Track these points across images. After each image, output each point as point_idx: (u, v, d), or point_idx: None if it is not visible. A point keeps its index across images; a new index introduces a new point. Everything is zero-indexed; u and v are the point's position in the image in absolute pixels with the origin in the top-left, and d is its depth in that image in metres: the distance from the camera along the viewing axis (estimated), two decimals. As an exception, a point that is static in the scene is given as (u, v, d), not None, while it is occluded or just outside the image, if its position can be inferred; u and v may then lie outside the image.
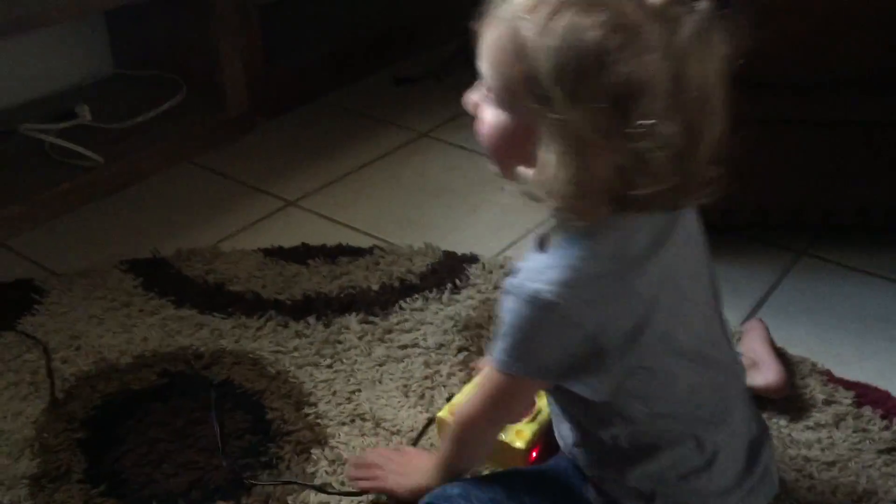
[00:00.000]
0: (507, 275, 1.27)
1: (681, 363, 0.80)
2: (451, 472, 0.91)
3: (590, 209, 0.72)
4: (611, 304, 0.75)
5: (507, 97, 0.73)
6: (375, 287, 1.30)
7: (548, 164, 0.70)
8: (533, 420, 0.98)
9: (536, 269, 0.76)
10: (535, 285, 0.74)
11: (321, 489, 0.98)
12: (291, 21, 1.93)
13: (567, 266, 0.74)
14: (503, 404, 0.84)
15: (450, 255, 1.37)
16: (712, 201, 0.74)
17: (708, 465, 0.82)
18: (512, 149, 0.74)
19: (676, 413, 0.81)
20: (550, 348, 0.77)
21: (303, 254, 1.38)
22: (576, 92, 0.67)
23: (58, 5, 1.41)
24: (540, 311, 0.74)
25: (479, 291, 1.29)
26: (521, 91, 0.70)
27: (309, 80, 1.87)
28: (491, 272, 1.33)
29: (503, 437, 0.96)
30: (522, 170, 0.73)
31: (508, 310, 0.77)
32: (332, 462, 1.01)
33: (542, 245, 0.81)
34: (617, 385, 0.78)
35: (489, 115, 0.76)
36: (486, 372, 0.85)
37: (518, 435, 0.96)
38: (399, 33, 2.00)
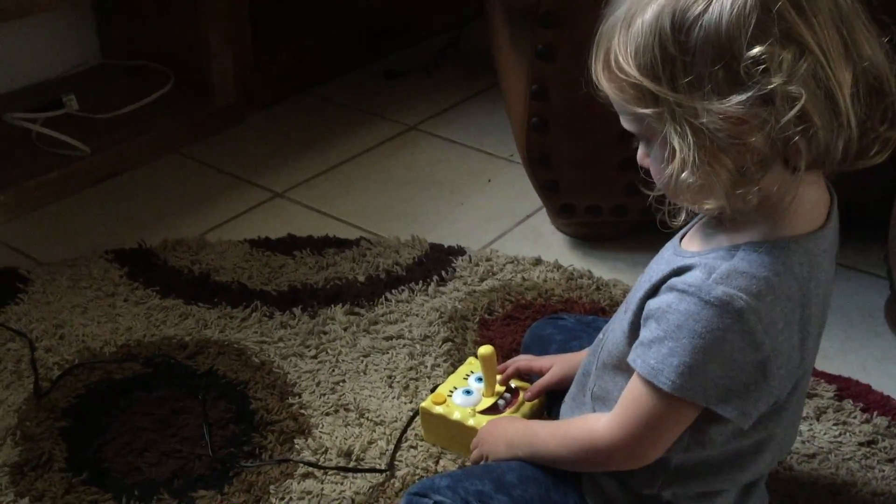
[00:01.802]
0: (491, 268, 1.29)
1: (794, 397, 0.76)
2: (533, 457, 0.84)
3: (755, 187, 0.66)
4: (789, 329, 0.69)
5: (639, 126, 0.70)
6: (362, 278, 1.30)
7: (678, 160, 0.66)
8: (516, 411, 0.98)
9: (722, 272, 0.68)
10: (725, 289, 0.67)
11: (312, 464, 0.98)
12: (281, 12, 1.93)
13: (760, 277, 0.68)
14: (658, 436, 0.72)
15: (436, 248, 1.37)
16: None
17: (728, 490, 0.80)
18: (676, 178, 0.67)
19: (752, 447, 0.77)
20: (721, 366, 0.68)
21: (289, 245, 1.38)
22: (671, 73, 0.64)
23: (45, -6, 1.41)
24: (727, 320, 0.67)
25: (464, 284, 1.29)
26: (635, 103, 0.67)
27: (299, 71, 1.86)
28: (477, 265, 1.33)
29: (471, 422, 0.96)
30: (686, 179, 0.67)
31: (682, 313, 0.68)
32: (314, 451, 1.01)
33: (704, 243, 0.74)
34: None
35: (654, 166, 0.71)
36: (636, 391, 0.73)
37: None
38: (390, 26, 2.00)
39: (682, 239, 0.79)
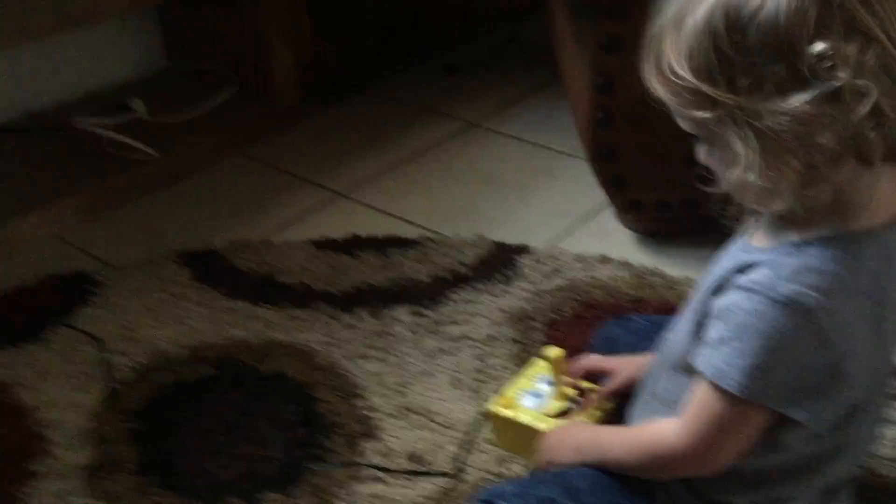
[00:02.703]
0: (558, 267, 1.26)
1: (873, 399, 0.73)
2: (602, 464, 0.82)
3: (828, 183, 0.64)
4: (862, 327, 0.66)
5: (699, 125, 0.66)
6: (425, 278, 1.29)
7: (742, 162, 0.63)
8: (587, 415, 0.96)
9: (791, 269, 0.65)
10: (795, 287, 0.64)
11: (380, 467, 0.97)
12: (340, 9, 1.93)
13: (831, 273, 0.65)
14: (728, 441, 0.69)
15: (500, 246, 1.35)
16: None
17: (804, 497, 0.77)
18: (743, 179, 0.64)
19: (831, 453, 0.74)
20: (792, 367, 0.66)
21: (352, 245, 1.38)
22: (729, 76, 0.61)
23: (110, 0, 1.43)
24: (797, 319, 0.64)
25: (530, 283, 1.27)
26: (693, 106, 0.64)
27: (359, 69, 1.86)
28: (543, 263, 1.31)
29: (541, 426, 0.93)
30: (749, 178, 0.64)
31: (749, 312, 0.65)
32: (383, 455, 1.01)
33: (774, 238, 0.70)
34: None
35: (719, 168, 0.68)
36: (703, 395, 0.70)
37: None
38: (449, 20, 1.98)
39: (750, 233, 0.75)
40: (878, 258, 0.67)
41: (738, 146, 0.63)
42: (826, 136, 0.62)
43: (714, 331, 0.69)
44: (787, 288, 0.64)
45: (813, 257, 0.66)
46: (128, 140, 1.56)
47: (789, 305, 0.64)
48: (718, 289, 0.70)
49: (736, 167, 0.64)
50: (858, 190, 0.66)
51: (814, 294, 0.64)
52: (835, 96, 0.60)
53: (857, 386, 0.68)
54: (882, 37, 0.60)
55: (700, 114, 0.64)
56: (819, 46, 0.59)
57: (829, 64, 0.59)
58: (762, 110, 0.61)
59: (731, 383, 0.67)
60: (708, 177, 0.73)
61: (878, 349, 0.69)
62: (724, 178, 0.68)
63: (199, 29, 1.78)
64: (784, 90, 0.61)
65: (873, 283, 0.67)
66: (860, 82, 0.60)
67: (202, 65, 1.79)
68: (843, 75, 0.59)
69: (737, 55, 0.62)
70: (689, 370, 0.74)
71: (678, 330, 0.79)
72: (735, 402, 0.67)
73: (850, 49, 0.59)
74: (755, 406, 0.67)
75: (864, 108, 0.60)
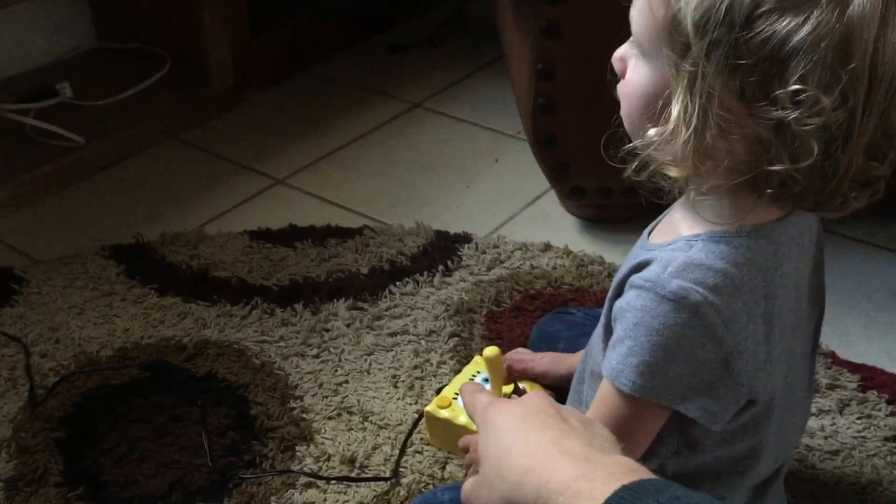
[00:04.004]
0: (499, 256, 1.24)
1: (775, 404, 0.72)
2: None
3: (720, 183, 0.63)
4: (753, 322, 0.66)
5: (650, 45, 0.65)
6: (365, 271, 1.26)
7: (673, 121, 0.62)
8: None
9: (679, 265, 0.64)
10: (681, 282, 0.63)
11: (314, 475, 0.95)
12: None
13: (718, 270, 0.64)
14: (630, 440, 0.66)
15: (442, 235, 1.32)
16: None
17: (732, 497, 0.76)
18: (647, 106, 0.65)
19: (749, 452, 0.73)
20: (682, 363, 0.65)
21: (290, 236, 1.34)
22: (715, 44, 0.59)
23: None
24: (684, 314, 0.63)
25: (471, 273, 1.25)
26: (663, 37, 0.62)
27: (298, 49, 1.80)
28: (484, 252, 1.28)
29: (462, 419, 0.91)
30: (651, 130, 0.64)
31: (639, 309, 0.65)
32: (317, 458, 0.98)
33: (662, 235, 0.71)
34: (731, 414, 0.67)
35: (633, 73, 0.67)
36: (603, 394, 0.70)
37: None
38: (391, -2, 1.93)
39: (651, 233, 0.75)
40: (767, 253, 0.67)
41: (678, 104, 0.62)
42: (743, 148, 0.61)
43: (615, 333, 0.69)
44: (673, 283, 0.64)
45: (700, 252, 0.65)
46: (53, 128, 1.49)
47: (676, 301, 0.63)
48: (620, 292, 0.70)
49: (661, 119, 0.63)
50: (741, 199, 0.65)
51: (700, 289, 0.63)
52: (778, 127, 0.59)
53: (749, 382, 0.68)
54: (858, 114, 0.59)
55: (666, 50, 0.62)
56: (802, 87, 0.58)
57: (800, 101, 0.58)
58: (717, 92, 0.60)
59: (625, 382, 0.66)
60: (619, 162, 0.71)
61: (771, 345, 0.68)
62: (632, 113, 0.67)
63: (130, 7, 1.71)
64: (746, 94, 0.60)
65: (763, 279, 0.66)
66: (812, 141, 0.59)
67: (133, 45, 1.72)
68: (809, 121, 0.58)
69: (738, 31, 0.59)
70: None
71: (594, 334, 0.78)
72: (631, 400, 0.67)
73: (825, 103, 0.58)
74: (649, 403, 0.66)
75: (799, 161, 0.59)
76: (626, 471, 0.52)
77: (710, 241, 0.66)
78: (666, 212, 0.75)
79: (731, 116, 0.60)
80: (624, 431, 0.66)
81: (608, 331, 0.71)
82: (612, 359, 0.67)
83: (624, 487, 0.49)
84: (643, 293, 0.65)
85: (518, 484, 0.55)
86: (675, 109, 0.62)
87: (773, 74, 0.59)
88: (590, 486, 0.51)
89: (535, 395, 0.63)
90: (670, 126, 0.62)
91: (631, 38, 0.68)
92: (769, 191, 0.62)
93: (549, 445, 0.56)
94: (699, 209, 0.67)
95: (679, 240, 0.68)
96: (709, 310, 0.63)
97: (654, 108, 0.64)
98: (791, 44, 0.58)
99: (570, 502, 0.51)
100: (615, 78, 0.71)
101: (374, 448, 0.99)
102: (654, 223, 0.76)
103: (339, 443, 1.00)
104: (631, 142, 0.68)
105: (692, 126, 0.61)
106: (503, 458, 0.57)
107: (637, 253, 0.72)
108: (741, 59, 0.59)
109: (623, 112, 0.69)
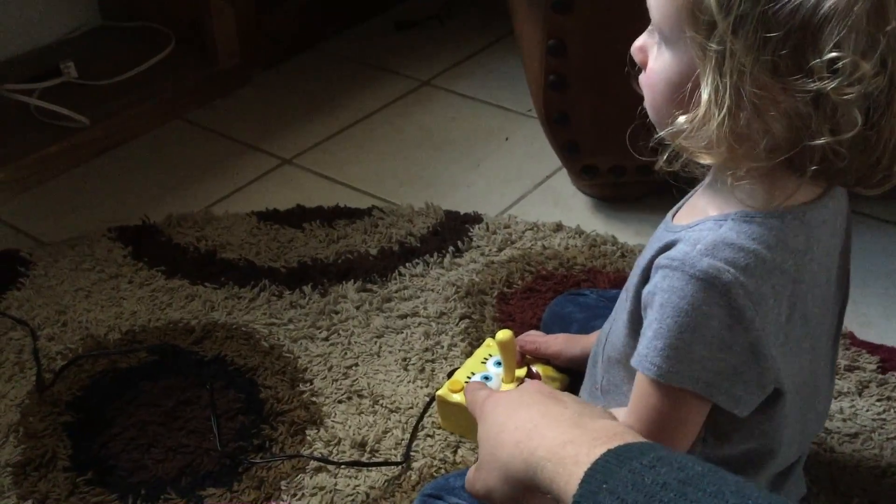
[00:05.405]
0: (510, 236, 1.22)
1: (797, 389, 0.70)
2: None
3: (760, 164, 0.61)
4: (776, 307, 0.63)
5: (672, 30, 0.62)
6: (374, 252, 1.24)
7: (704, 105, 0.59)
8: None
9: (708, 243, 0.62)
10: (712, 261, 0.61)
11: (324, 460, 0.94)
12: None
13: (750, 250, 0.61)
14: (674, 430, 0.64)
15: (452, 215, 1.30)
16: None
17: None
18: (674, 93, 0.62)
19: (773, 440, 0.71)
20: (708, 347, 0.62)
21: (298, 217, 1.32)
22: (741, 19, 0.56)
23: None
24: (713, 295, 0.61)
25: (482, 254, 1.23)
26: (685, 18, 0.59)
27: (304, 26, 1.78)
28: (495, 233, 1.26)
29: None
30: (681, 118, 0.61)
31: (666, 290, 0.62)
32: (327, 443, 0.97)
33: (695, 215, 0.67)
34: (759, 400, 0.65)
35: (655, 62, 0.64)
36: (639, 384, 0.67)
37: None
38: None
39: (674, 215, 0.72)
40: (799, 236, 0.65)
41: (708, 87, 0.59)
42: (780, 125, 0.59)
43: (646, 319, 0.66)
44: (703, 262, 0.61)
45: (731, 231, 0.63)
46: (58, 108, 1.47)
47: (706, 280, 0.61)
48: (646, 274, 0.67)
49: (691, 104, 0.61)
50: (780, 180, 0.63)
51: (731, 269, 0.61)
52: (816, 100, 0.57)
53: (774, 367, 0.65)
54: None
55: (690, 32, 0.60)
56: (837, 54, 0.56)
57: (836, 71, 0.56)
58: (747, 70, 0.58)
59: (649, 367, 0.64)
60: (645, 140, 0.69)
61: (790, 328, 0.66)
62: (658, 103, 0.65)
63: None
64: (778, 69, 0.57)
65: (794, 262, 0.64)
66: (854, 111, 0.57)
67: (137, 23, 1.69)
68: (847, 91, 0.56)
69: (763, 4, 0.57)
70: (626, 363, 0.70)
71: (616, 319, 0.75)
72: (661, 387, 0.64)
73: (866, 68, 0.56)
74: (681, 392, 0.64)
75: (841, 133, 0.57)
76: (612, 434, 0.52)
77: (741, 221, 0.63)
78: (689, 195, 0.72)
79: (766, 93, 0.58)
80: (663, 427, 0.64)
81: (635, 318, 0.69)
82: (640, 345, 0.65)
83: (609, 451, 0.50)
84: (670, 273, 0.63)
85: (511, 457, 0.56)
86: (705, 93, 0.59)
87: (807, 45, 0.56)
88: (575, 451, 0.51)
89: (531, 383, 0.63)
90: (701, 111, 0.60)
91: (650, 27, 0.66)
92: (812, 168, 0.60)
93: (538, 417, 0.57)
94: (735, 192, 0.64)
95: (708, 219, 0.65)
96: (739, 291, 0.61)
97: (682, 94, 0.62)
98: (822, 10, 0.55)
99: (556, 468, 0.52)
100: (634, 69, 0.68)
101: (385, 432, 0.98)
102: (676, 206, 0.73)
103: (350, 426, 0.99)
104: (658, 133, 0.65)
105: (725, 107, 0.59)
106: (497, 437, 0.59)
107: (661, 235, 0.70)
108: (770, 31, 0.56)
109: (648, 103, 0.67)
